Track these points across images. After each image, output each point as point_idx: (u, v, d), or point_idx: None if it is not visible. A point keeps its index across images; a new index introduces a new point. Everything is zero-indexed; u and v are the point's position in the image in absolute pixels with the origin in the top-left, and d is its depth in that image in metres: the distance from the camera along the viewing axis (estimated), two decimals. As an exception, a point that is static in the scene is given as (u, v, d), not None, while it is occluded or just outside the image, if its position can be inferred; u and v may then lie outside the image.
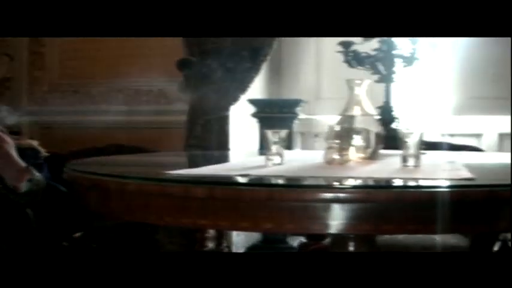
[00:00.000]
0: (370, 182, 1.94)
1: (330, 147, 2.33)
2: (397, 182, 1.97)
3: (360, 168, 2.26)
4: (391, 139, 2.51)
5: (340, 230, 1.74)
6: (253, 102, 4.89)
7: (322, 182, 1.94)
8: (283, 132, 2.37)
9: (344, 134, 2.40)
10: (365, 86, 2.59)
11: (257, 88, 5.35)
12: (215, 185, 1.85)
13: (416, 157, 2.23)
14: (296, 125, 5.00)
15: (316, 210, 1.71)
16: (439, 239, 3.48)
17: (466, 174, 1.98)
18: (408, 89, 5.55)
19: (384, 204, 1.71)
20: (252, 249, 4.95)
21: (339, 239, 2.47)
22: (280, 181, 2.00)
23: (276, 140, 2.35)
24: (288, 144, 4.66)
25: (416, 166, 2.21)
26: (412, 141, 2.23)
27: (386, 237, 3.42)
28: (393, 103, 3.41)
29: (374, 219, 1.72)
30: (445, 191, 1.74)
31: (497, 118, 5.69)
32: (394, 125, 3.18)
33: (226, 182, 1.91)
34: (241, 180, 1.97)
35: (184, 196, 1.82)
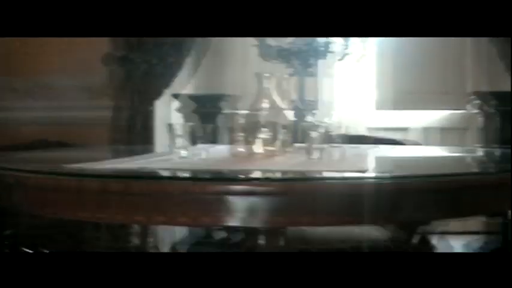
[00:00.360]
0: (266, 175, 1.94)
1: (236, 141, 2.33)
2: (290, 174, 1.97)
3: (264, 161, 2.26)
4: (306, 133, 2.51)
5: (234, 223, 1.73)
6: (177, 97, 4.87)
7: (216, 175, 1.94)
8: (189, 126, 2.36)
9: (250, 128, 2.39)
10: (274, 79, 2.59)
11: (184, 83, 5.34)
12: (109, 178, 1.83)
13: (320, 150, 2.23)
14: (222, 120, 4.98)
15: (207, 203, 1.70)
16: (359, 231, 3.49)
17: (361, 166, 2.00)
18: (330, 83, 5.58)
19: (277, 196, 1.71)
20: (177, 245, 4.93)
21: (250, 232, 2.48)
22: (172, 174, 1.98)
23: (182, 133, 2.35)
24: (213, 138, 4.67)
25: (320, 159, 2.21)
26: (316, 135, 2.24)
27: (308, 230, 3.43)
28: (310, 97, 3.42)
29: (267, 212, 1.72)
30: (333, 183, 1.75)
31: (422, 113, 5.76)
32: (308, 119, 3.19)
33: (120, 176, 1.89)
34: (132, 173, 1.95)
35: (79, 190, 1.81)
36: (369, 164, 2.19)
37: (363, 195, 1.74)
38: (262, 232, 2.43)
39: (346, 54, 3.29)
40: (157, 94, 4.75)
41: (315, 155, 2.22)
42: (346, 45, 3.32)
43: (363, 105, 5.80)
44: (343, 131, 4.42)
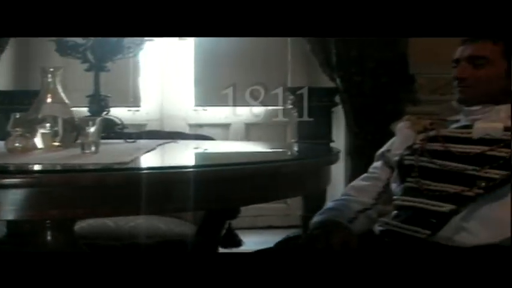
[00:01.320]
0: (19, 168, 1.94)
1: (12, 136, 2.31)
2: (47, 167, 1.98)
3: (38, 155, 2.25)
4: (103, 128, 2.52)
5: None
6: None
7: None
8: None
9: (28, 122, 2.38)
10: (59, 73, 2.59)
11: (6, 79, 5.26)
12: None
13: (96, 144, 2.24)
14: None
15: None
16: (164, 226, 3.51)
17: (123, 159, 2.02)
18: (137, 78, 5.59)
19: (25, 189, 1.71)
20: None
21: (36, 227, 2.46)
22: None
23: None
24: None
25: (95, 153, 2.22)
26: (90, 129, 2.25)
27: (113, 226, 3.43)
28: (106, 92, 3.39)
29: (17, 205, 1.72)
30: (83, 175, 1.77)
31: (244, 109, 5.84)
32: (103, 115, 3.19)
33: None
34: None
35: None
36: (144, 157, 2.22)
37: (118, 186, 1.77)
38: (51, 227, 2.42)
39: (141, 49, 3.29)
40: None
41: (89, 149, 2.23)
42: (141, 40, 3.33)
43: (180, 102, 5.82)
44: (152, 127, 4.45)
